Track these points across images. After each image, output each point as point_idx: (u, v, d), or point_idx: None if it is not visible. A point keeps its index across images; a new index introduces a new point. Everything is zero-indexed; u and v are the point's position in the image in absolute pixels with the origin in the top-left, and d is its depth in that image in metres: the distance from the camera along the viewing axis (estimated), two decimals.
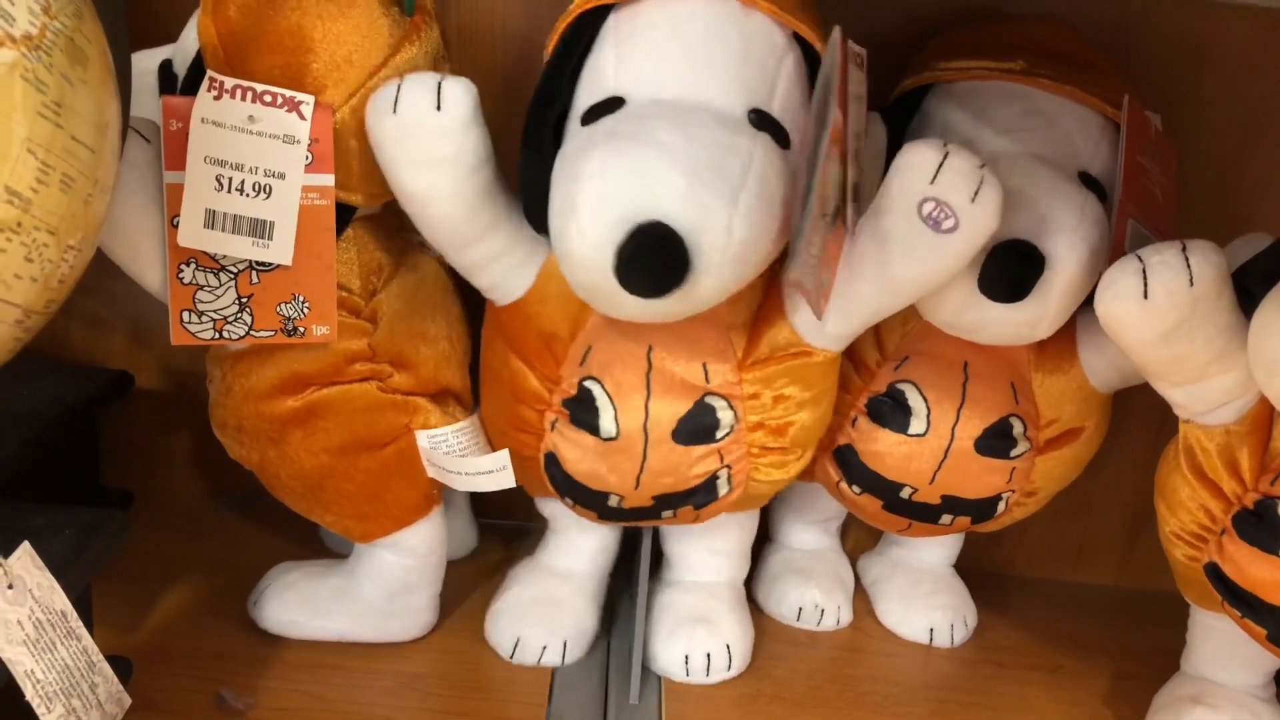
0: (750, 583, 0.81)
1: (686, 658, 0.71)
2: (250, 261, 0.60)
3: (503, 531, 0.84)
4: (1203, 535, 0.62)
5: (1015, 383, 0.68)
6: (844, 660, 0.77)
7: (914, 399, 0.67)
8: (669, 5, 0.57)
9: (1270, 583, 0.58)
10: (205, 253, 0.59)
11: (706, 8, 0.57)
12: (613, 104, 0.56)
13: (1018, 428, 0.68)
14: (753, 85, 0.57)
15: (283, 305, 0.61)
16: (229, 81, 0.57)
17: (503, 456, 0.65)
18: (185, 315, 0.60)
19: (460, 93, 0.56)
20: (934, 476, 0.68)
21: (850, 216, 0.56)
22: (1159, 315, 0.55)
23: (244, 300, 0.61)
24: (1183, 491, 0.62)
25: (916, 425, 0.67)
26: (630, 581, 0.78)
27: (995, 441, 0.67)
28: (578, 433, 0.63)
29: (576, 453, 0.64)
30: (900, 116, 0.69)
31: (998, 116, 0.65)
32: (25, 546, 0.50)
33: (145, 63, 0.64)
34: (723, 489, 0.65)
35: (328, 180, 0.59)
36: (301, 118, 0.58)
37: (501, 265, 0.62)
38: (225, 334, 0.61)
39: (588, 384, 0.62)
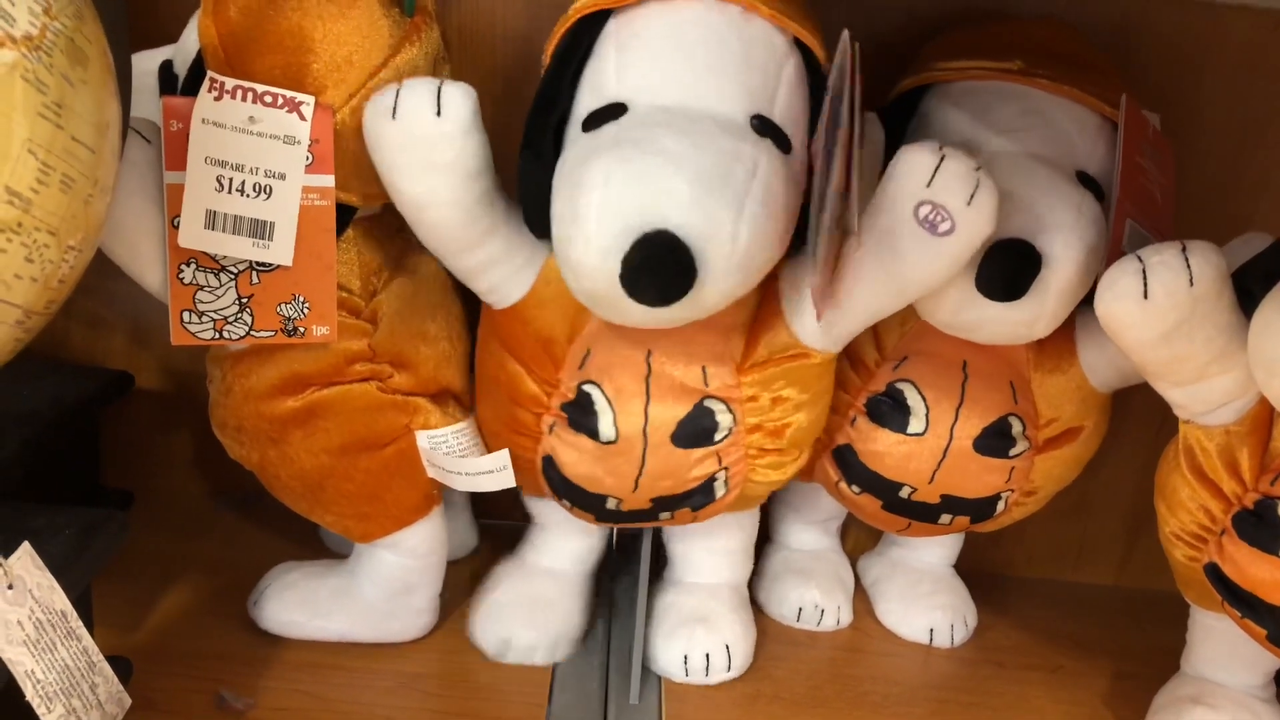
0: (750, 583, 0.81)
1: (685, 658, 0.71)
2: (250, 262, 0.60)
3: (503, 532, 0.84)
4: (1203, 535, 0.62)
5: (1014, 382, 0.68)
6: (844, 660, 0.77)
7: (913, 398, 0.67)
8: (670, 10, 0.57)
9: (1270, 583, 0.58)
10: (205, 253, 0.59)
11: (707, 13, 0.57)
12: (615, 110, 0.56)
13: (1017, 427, 0.68)
14: (755, 91, 0.56)
15: (283, 305, 0.61)
16: (229, 82, 0.57)
17: (503, 456, 0.65)
18: (185, 315, 0.60)
19: (460, 98, 0.55)
20: (933, 476, 0.68)
21: (854, 220, 0.56)
22: (1159, 315, 0.55)
23: (244, 300, 0.61)
24: (1183, 492, 0.62)
25: (915, 425, 0.67)
26: (632, 581, 0.78)
27: (994, 441, 0.67)
28: (576, 436, 0.63)
29: (574, 456, 0.64)
30: (898, 117, 0.69)
31: (996, 116, 0.65)
32: (25, 547, 0.50)
33: (146, 63, 0.64)
34: (720, 491, 0.65)
35: (328, 181, 0.59)
36: (302, 118, 0.58)
37: (499, 270, 0.62)
38: (225, 334, 0.61)
39: (587, 388, 0.62)
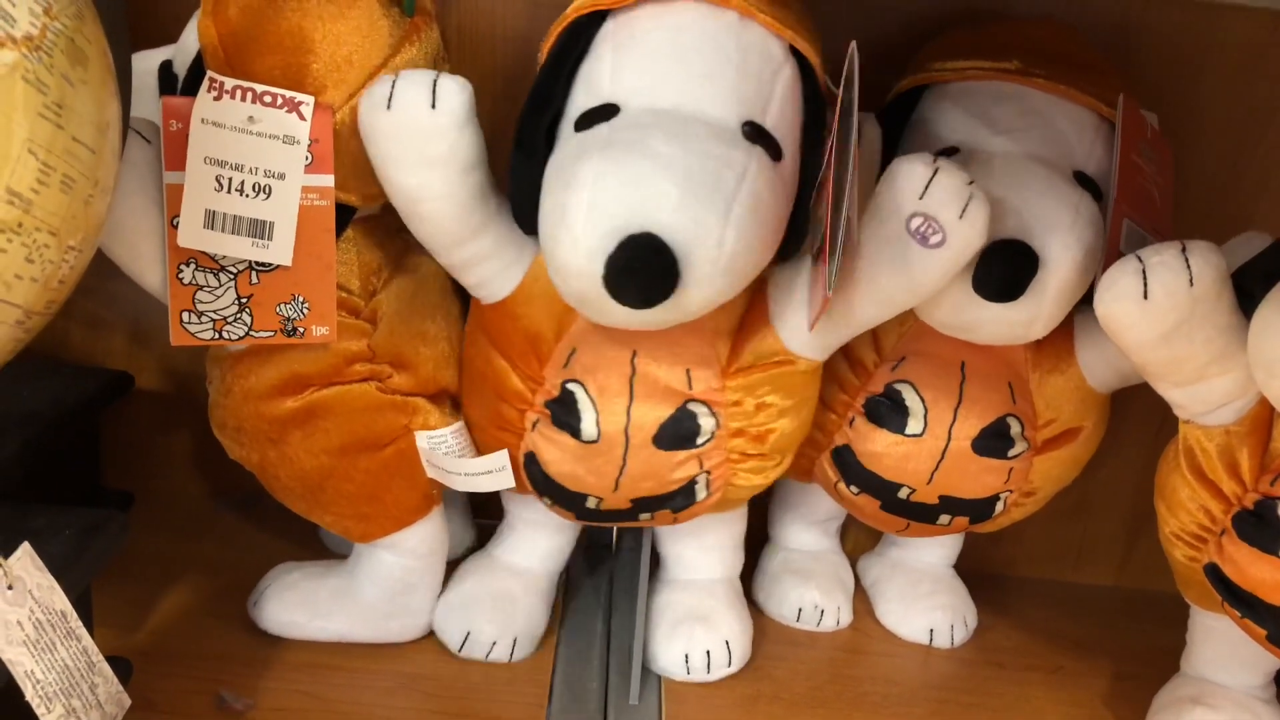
0: (750, 583, 0.81)
1: (686, 656, 0.71)
2: (250, 262, 0.60)
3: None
4: (1202, 536, 0.62)
5: (1013, 383, 0.68)
6: (844, 661, 0.77)
7: (911, 399, 0.67)
8: (667, 14, 0.57)
9: (1270, 583, 0.58)
10: (205, 253, 0.59)
11: (704, 18, 0.57)
12: (607, 111, 0.56)
13: (1015, 428, 0.68)
14: (748, 97, 0.56)
15: (282, 306, 0.61)
16: (229, 82, 0.57)
17: (502, 457, 0.65)
18: (185, 316, 0.60)
19: (455, 91, 0.56)
20: (931, 477, 0.68)
21: (855, 231, 0.56)
22: (1159, 316, 0.55)
23: (244, 301, 0.61)
24: (1182, 492, 0.62)
25: (914, 425, 0.67)
26: (630, 582, 0.78)
27: (993, 442, 0.67)
28: (558, 434, 0.63)
29: (556, 454, 0.64)
30: (896, 117, 0.69)
31: (993, 117, 0.65)
32: (25, 547, 0.50)
33: (145, 63, 0.64)
34: (701, 493, 0.65)
35: (327, 181, 0.59)
36: (301, 118, 0.58)
37: (489, 265, 0.62)
38: (225, 334, 0.61)
39: (570, 386, 0.62)
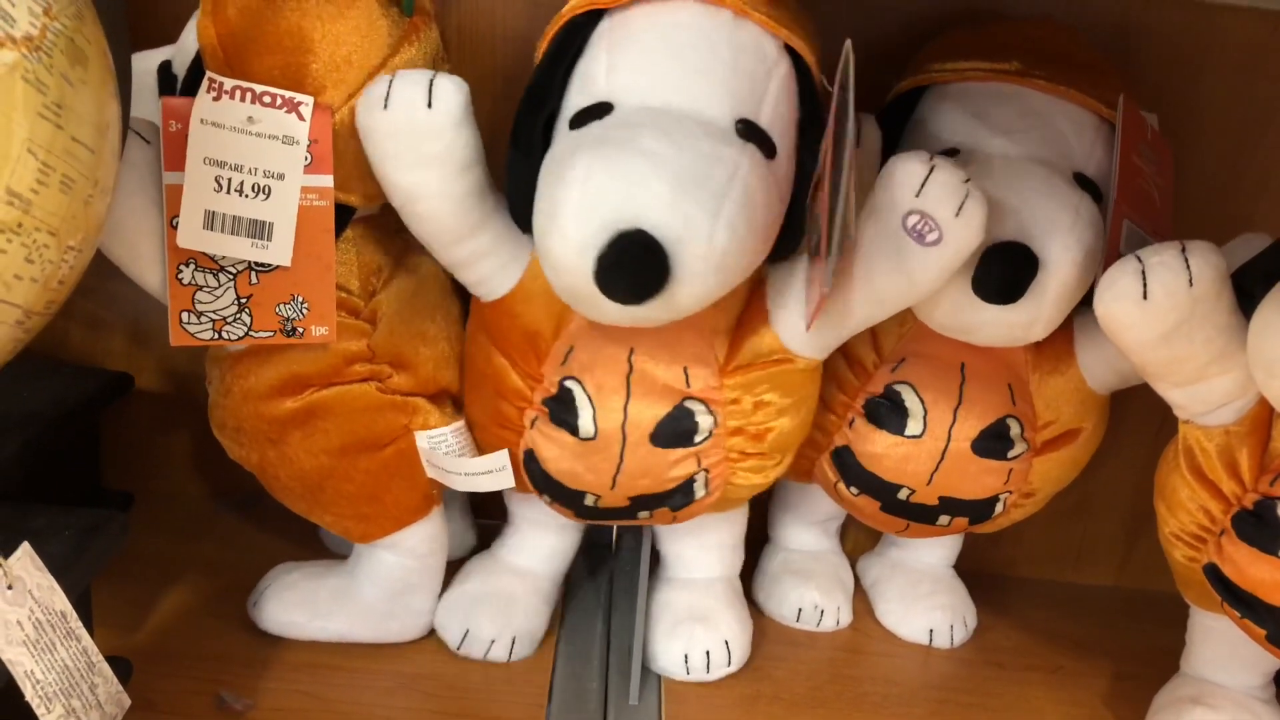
0: (750, 583, 0.81)
1: (686, 656, 0.71)
2: (249, 262, 0.60)
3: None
4: (1202, 536, 0.62)
5: (1012, 384, 0.68)
6: (844, 661, 0.77)
7: (911, 400, 0.67)
8: (662, 13, 0.57)
9: (1269, 583, 0.58)
10: (204, 253, 0.59)
11: (699, 17, 0.57)
12: (601, 109, 0.56)
13: (1015, 429, 0.68)
14: (742, 95, 0.56)
15: (282, 306, 0.61)
16: (228, 82, 0.57)
17: (501, 456, 0.66)
18: (184, 316, 0.60)
19: (452, 90, 0.56)
20: (931, 478, 0.68)
21: (853, 228, 0.56)
22: (1158, 316, 0.55)
23: (243, 301, 0.61)
24: (1182, 492, 0.62)
25: (913, 426, 0.67)
26: (630, 582, 0.78)
27: (992, 443, 0.67)
28: (557, 431, 0.63)
29: (555, 451, 0.64)
30: (896, 118, 0.69)
31: (993, 118, 0.65)
32: (25, 547, 0.50)
33: (145, 63, 0.64)
34: (699, 492, 0.65)
35: (327, 181, 0.59)
36: (301, 119, 0.58)
37: (488, 263, 0.63)
38: (224, 335, 0.61)
39: (568, 383, 0.62)
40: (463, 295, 0.69)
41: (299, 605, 0.70)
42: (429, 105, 0.56)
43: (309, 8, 0.58)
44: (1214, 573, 0.62)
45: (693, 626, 0.72)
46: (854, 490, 0.71)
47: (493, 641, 0.71)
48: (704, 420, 0.63)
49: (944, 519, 0.71)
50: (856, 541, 0.88)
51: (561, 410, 0.63)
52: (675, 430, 0.63)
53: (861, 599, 0.83)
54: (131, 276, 0.60)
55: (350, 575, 0.71)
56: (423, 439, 0.66)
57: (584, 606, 0.79)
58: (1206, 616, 0.68)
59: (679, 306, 0.54)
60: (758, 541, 0.83)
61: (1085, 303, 0.61)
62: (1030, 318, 0.60)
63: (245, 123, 0.57)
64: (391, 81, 0.56)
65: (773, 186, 0.56)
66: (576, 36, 0.59)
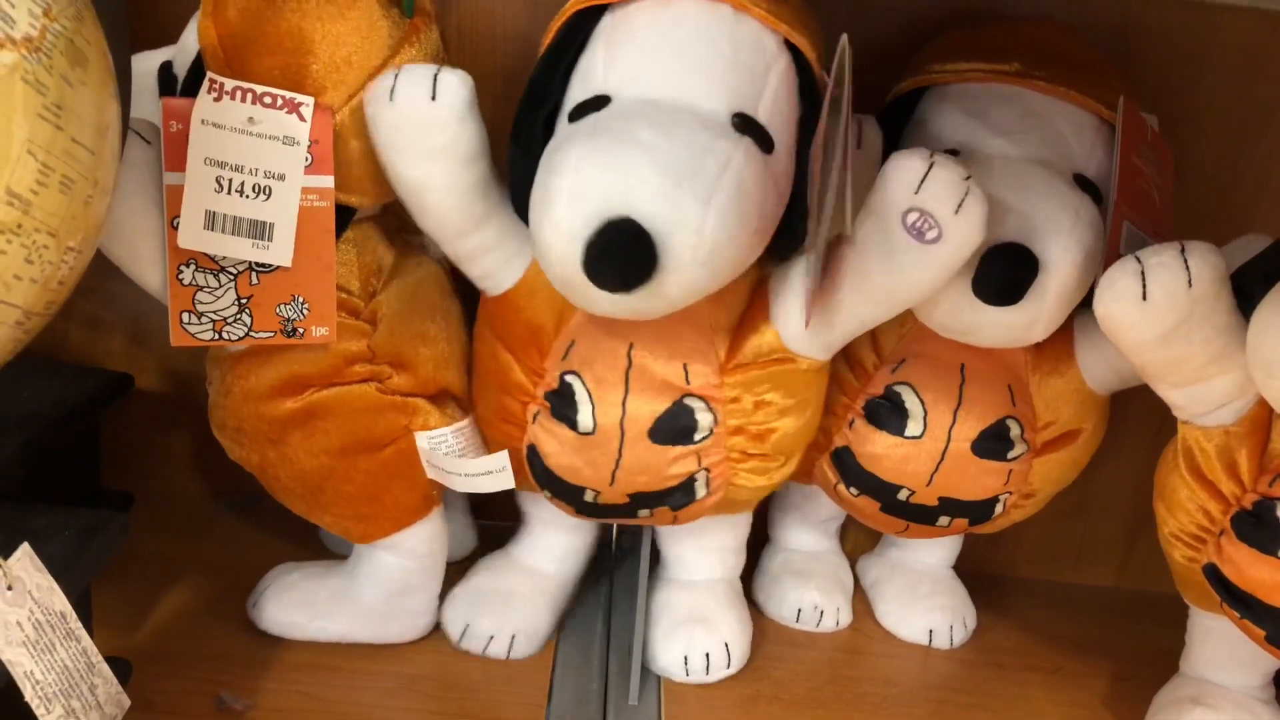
0: (750, 584, 0.81)
1: (685, 658, 0.71)
2: (250, 263, 0.60)
3: (502, 533, 0.84)
4: (1201, 536, 0.62)
5: (1012, 385, 0.68)
6: (843, 661, 0.77)
7: (911, 401, 0.67)
8: (662, 8, 0.58)
9: (1269, 584, 0.58)
10: (205, 254, 0.59)
11: (698, 12, 0.57)
12: (599, 102, 0.57)
13: (1015, 430, 0.68)
14: (739, 89, 0.57)
15: (282, 306, 0.61)
16: (229, 83, 0.57)
17: (502, 458, 0.65)
18: (185, 316, 0.60)
19: (456, 84, 0.56)
20: (931, 479, 0.68)
21: (848, 224, 0.56)
22: (1158, 317, 0.55)
23: (243, 301, 0.61)
24: (1181, 493, 0.62)
25: (913, 427, 0.67)
26: (630, 582, 0.78)
27: (992, 444, 0.67)
28: (557, 426, 0.63)
29: (555, 445, 0.64)
30: (895, 119, 0.69)
31: (993, 119, 0.65)
32: (25, 548, 0.50)
33: (145, 64, 0.64)
34: (700, 492, 0.65)
35: (327, 182, 0.59)
36: (301, 119, 0.58)
37: (493, 257, 0.63)
38: (225, 335, 0.61)
39: (568, 378, 0.63)
40: (463, 296, 0.69)
41: (299, 606, 0.70)
42: (433, 99, 0.56)
43: (309, 9, 0.58)
44: (1213, 573, 0.62)
45: (693, 628, 0.72)
46: (854, 491, 0.71)
47: (491, 637, 0.71)
48: (703, 418, 0.63)
49: (944, 520, 0.71)
50: (856, 542, 0.88)
51: (562, 405, 0.63)
52: (674, 427, 0.62)
53: (861, 599, 0.83)
54: (132, 277, 0.60)
55: (350, 576, 0.71)
56: (423, 439, 0.66)
57: (584, 606, 0.79)
58: (1206, 617, 0.68)
59: (669, 297, 0.54)
60: (758, 542, 0.83)
61: (1085, 303, 0.61)
62: (1031, 319, 0.60)
63: (246, 123, 0.57)
64: (397, 75, 0.57)
65: (769, 181, 0.56)
66: (578, 33, 0.59)
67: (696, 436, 0.63)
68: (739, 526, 0.76)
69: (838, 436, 0.70)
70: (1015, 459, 0.68)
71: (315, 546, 0.80)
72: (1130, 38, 0.74)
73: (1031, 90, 0.66)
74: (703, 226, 0.52)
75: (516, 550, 0.76)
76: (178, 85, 0.61)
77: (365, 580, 0.70)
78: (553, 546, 0.76)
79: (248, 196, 0.58)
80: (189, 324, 0.60)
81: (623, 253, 0.51)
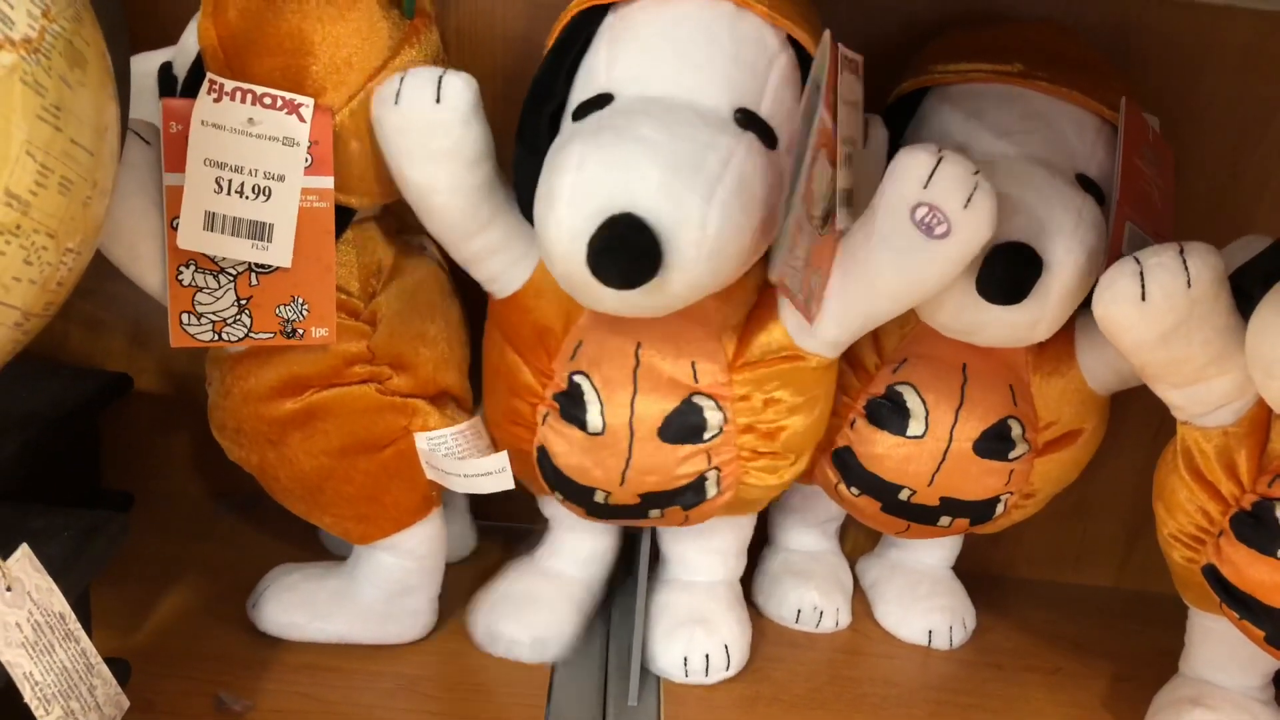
0: (749, 584, 0.81)
1: (685, 659, 0.71)
2: (249, 264, 0.60)
3: (502, 534, 0.84)
4: (1201, 537, 0.62)
5: (1014, 385, 0.68)
6: (843, 662, 0.77)
7: (912, 401, 0.67)
8: (664, 6, 0.58)
9: (1268, 584, 0.58)
10: (204, 255, 0.59)
11: (700, 9, 0.58)
12: (602, 100, 0.57)
13: (1016, 430, 0.68)
14: (741, 85, 0.57)
15: (282, 307, 0.61)
16: (229, 84, 0.57)
17: (501, 458, 0.65)
18: (184, 317, 0.60)
19: (460, 87, 0.57)
20: (932, 478, 0.68)
21: (842, 220, 0.55)
22: (1157, 317, 0.55)
23: (243, 302, 0.61)
24: (1181, 493, 0.62)
25: (915, 427, 0.67)
26: (629, 582, 0.78)
27: (993, 444, 0.67)
28: (566, 426, 0.63)
29: (565, 446, 0.64)
30: (898, 119, 0.69)
31: (995, 119, 0.65)
32: (24, 549, 0.50)
33: (145, 65, 0.64)
34: (711, 491, 0.65)
35: (327, 183, 0.59)
36: (301, 120, 0.58)
37: (500, 259, 0.63)
38: (224, 336, 0.61)
39: (577, 378, 0.63)
40: (463, 297, 0.69)
41: (298, 606, 0.70)
42: (438, 101, 0.56)
43: (309, 10, 0.58)
44: (1212, 574, 0.62)
45: (693, 629, 0.72)
46: (855, 491, 0.71)
47: (517, 643, 0.71)
48: (713, 416, 0.63)
49: (945, 520, 0.71)
50: (856, 542, 0.88)
51: (571, 405, 0.63)
52: (683, 426, 0.62)
53: (861, 600, 0.83)
54: (131, 278, 0.60)
55: (349, 576, 0.71)
56: (422, 440, 0.66)
57: None
58: (1205, 618, 0.68)
59: (674, 293, 0.54)
60: (757, 542, 0.83)
61: (1086, 304, 0.61)
62: (1034, 318, 0.60)
63: (246, 124, 0.57)
64: (403, 79, 0.57)
65: (772, 175, 0.56)
66: (581, 32, 0.60)
67: (706, 435, 0.63)
68: (742, 529, 0.76)
69: (839, 436, 0.70)
70: (1017, 459, 0.68)
71: (315, 547, 0.80)
72: (1130, 38, 0.74)
73: (1034, 91, 0.66)
74: (706, 221, 0.52)
75: (541, 553, 0.76)
76: (178, 86, 0.61)
77: (365, 581, 0.70)
78: (579, 550, 0.76)
79: (247, 197, 0.58)
80: (188, 325, 0.60)
81: (626, 249, 0.51)
